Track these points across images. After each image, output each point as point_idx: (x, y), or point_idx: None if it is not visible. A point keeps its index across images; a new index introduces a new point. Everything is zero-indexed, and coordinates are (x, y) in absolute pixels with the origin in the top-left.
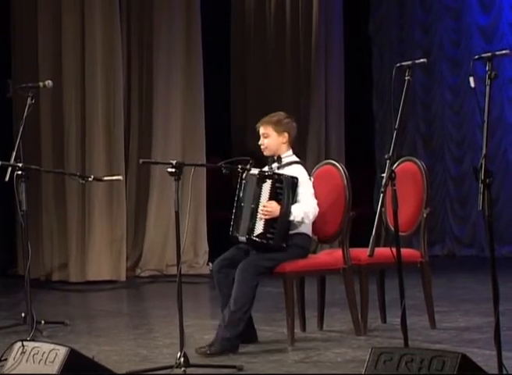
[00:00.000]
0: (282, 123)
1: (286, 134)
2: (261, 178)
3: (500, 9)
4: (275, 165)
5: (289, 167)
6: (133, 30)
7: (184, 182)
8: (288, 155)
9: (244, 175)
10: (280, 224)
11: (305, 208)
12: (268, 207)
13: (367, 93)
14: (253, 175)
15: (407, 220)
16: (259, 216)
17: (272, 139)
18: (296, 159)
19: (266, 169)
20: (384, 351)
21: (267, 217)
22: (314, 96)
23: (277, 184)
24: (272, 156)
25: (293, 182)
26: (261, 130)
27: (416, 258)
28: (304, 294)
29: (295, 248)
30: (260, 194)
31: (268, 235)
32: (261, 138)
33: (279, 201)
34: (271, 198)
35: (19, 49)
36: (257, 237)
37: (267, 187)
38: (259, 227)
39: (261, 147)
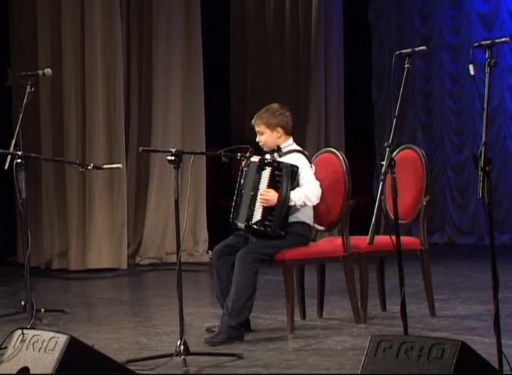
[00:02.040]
0: (274, 118)
1: (279, 129)
2: (261, 165)
3: None
4: (276, 154)
5: (290, 155)
6: (132, 18)
7: (184, 170)
8: (288, 145)
9: (244, 163)
10: (278, 212)
11: (306, 192)
12: (265, 195)
13: (366, 81)
14: (254, 162)
15: (407, 208)
16: (258, 203)
17: (267, 136)
18: (297, 148)
19: (268, 156)
20: (384, 338)
21: (265, 205)
22: (314, 84)
23: (276, 172)
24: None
25: (293, 170)
26: (256, 128)
27: (415, 246)
28: (304, 282)
29: (295, 236)
30: (259, 181)
31: (267, 222)
32: (258, 135)
33: (277, 189)
34: (270, 186)
35: (18, 37)
36: (255, 224)
37: (266, 174)
38: (257, 215)
39: (259, 144)
